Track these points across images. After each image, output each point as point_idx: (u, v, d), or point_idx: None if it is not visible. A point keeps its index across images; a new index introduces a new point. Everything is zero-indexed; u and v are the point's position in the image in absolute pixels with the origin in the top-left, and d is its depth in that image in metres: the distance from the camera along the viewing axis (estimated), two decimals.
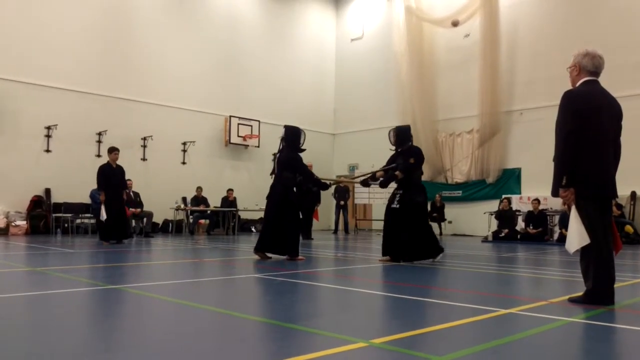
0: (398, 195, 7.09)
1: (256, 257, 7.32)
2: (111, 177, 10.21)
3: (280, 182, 7.28)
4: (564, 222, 12.73)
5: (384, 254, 7.19)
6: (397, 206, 7.02)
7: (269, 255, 7.26)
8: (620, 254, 9.85)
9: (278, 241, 7.09)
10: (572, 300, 3.97)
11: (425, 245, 6.97)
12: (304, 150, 7.59)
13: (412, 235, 6.87)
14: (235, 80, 17.96)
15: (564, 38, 15.19)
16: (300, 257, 7.19)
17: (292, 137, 7.41)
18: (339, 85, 21.24)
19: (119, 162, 10.53)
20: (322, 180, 7.61)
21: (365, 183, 7.95)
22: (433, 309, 3.86)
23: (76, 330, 3.06)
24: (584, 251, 3.88)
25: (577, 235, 3.84)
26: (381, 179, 7.39)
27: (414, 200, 6.98)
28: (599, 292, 3.83)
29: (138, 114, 15.46)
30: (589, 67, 4.10)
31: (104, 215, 10.01)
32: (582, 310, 3.70)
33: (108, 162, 10.46)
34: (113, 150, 10.42)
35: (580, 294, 3.97)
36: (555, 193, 3.94)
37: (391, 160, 7.40)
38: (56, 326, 3.12)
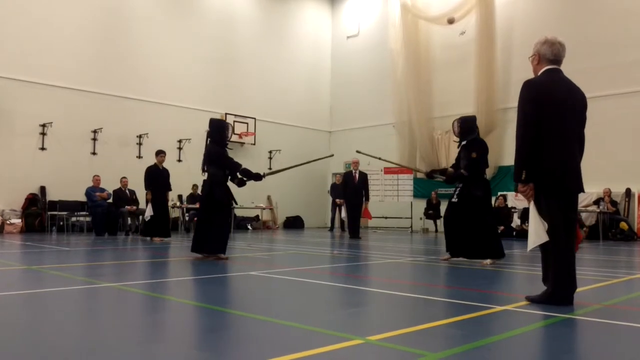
0: (458, 189, 6.84)
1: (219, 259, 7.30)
2: (158, 178, 10.82)
3: (208, 179, 7.00)
4: None
5: (447, 250, 6.94)
6: (456, 200, 6.78)
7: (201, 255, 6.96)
8: (615, 251, 9.90)
9: (206, 239, 6.81)
10: (530, 299, 3.80)
11: (484, 243, 6.59)
12: (227, 144, 7.14)
13: (470, 231, 6.59)
14: (231, 78, 17.93)
15: (560, 36, 15.03)
16: (224, 256, 6.85)
17: (216, 131, 7.03)
18: (335, 82, 21.23)
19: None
20: (255, 172, 7.15)
21: (430, 175, 7.42)
22: (429, 305, 3.86)
23: (71, 329, 3.05)
24: (543, 249, 3.73)
25: (534, 233, 3.68)
26: (449, 175, 6.97)
27: (473, 194, 6.65)
28: (557, 295, 3.67)
29: (133, 112, 15.41)
30: (549, 55, 3.91)
31: (150, 214, 10.56)
32: (579, 306, 3.71)
33: (155, 163, 10.98)
34: (160, 153, 10.96)
35: (539, 293, 3.81)
36: (515, 188, 3.78)
37: (458, 154, 7.01)
38: (51, 325, 3.11)
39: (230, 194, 7.04)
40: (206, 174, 7.07)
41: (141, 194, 13.52)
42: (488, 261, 6.57)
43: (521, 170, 3.65)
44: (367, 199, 12.84)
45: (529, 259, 7.95)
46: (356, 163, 12.56)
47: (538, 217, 3.68)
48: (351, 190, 12.62)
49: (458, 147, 7.00)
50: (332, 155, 7.40)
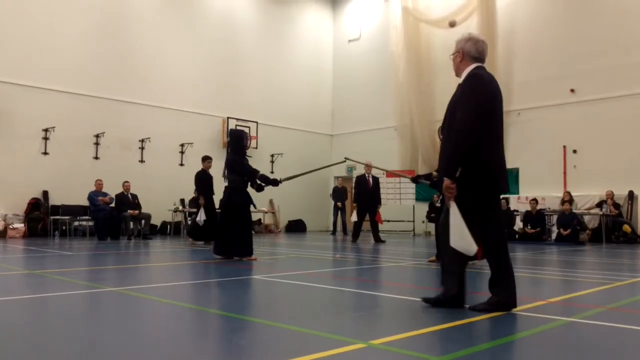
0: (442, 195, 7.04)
1: (252, 258, 7.34)
2: (209, 183, 11.12)
3: (227, 185, 7.48)
4: (562, 222, 12.76)
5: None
6: (440, 205, 7.08)
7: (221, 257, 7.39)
8: (618, 254, 9.85)
9: (228, 243, 7.26)
10: (472, 308, 3.65)
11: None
12: (245, 152, 7.60)
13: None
14: (232, 82, 17.96)
15: (561, 38, 15.23)
16: (253, 257, 7.30)
17: (235, 141, 7.52)
18: (336, 86, 21.25)
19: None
20: (272, 178, 7.55)
21: (416, 180, 7.66)
22: (431, 309, 3.86)
23: (73, 334, 3.05)
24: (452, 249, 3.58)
25: (460, 237, 3.48)
26: (434, 179, 7.21)
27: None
28: (453, 293, 3.61)
29: (135, 116, 15.44)
30: (473, 52, 3.76)
31: (203, 218, 10.73)
32: (582, 309, 3.70)
33: (202, 169, 11.22)
34: (207, 159, 11.30)
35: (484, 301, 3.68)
36: (439, 185, 3.64)
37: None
38: (53, 329, 3.11)
39: (250, 198, 7.50)
40: (227, 180, 7.50)
41: (143, 198, 13.56)
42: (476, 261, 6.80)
43: (457, 166, 3.48)
44: (380, 203, 12.94)
45: (531, 262, 7.94)
46: (369, 167, 12.42)
47: (461, 219, 3.50)
48: (366, 194, 12.63)
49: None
50: (345, 161, 7.51)
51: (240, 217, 7.29)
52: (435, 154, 17.83)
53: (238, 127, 17.55)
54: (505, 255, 3.57)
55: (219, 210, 7.76)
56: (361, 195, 12.73)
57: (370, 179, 12.70)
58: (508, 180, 3.71)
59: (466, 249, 3.48)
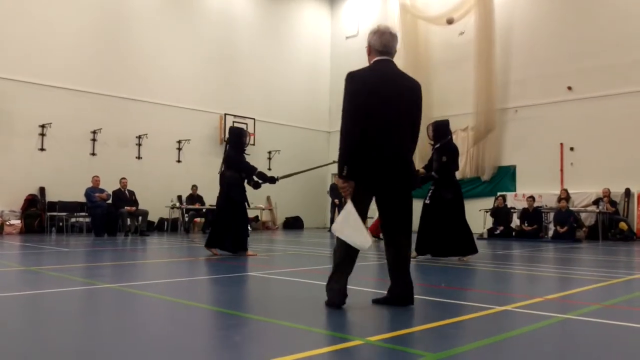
0: (430, 191, 7.21)
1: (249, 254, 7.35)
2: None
3: (224, 181, 7.53)
4: (559, 220, 12.79)
5: (416, 249, 7.19)
6: (428, 202, 7.16)
7: (218, 251, 7.44)
8: (615, 251, 9.87)
9: (224, 237, 7.31)
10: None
11: (454, 242, 7.01)
12: (244, 149, 7.66)
13: (440, 231, 6.99)
14: (230, 79, 17.92)
15: (559, 36, 15.24)
16: (249, 252, 7.42)
17: (234, 138, 7.59)
18: (334, 83, 21.20)
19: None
20: (270, 175, 7.63)
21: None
22: (428, 306, 3.86)
23: (70, 330, 3.05)
24: (340, 242, 3.56)
25: (355, 233, 3.47)
26: (419, 176, 7.23)
27: (444, 197, 7.05)
28: (334, 290, 3.60)
29: (133, 113, 15.40)
30: (377, 45, 3.69)
31: None
32: (578, 307, 3.72)
33: None
34: None
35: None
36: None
37: (431, 157, 7.42)
38: (49, 326, 3.10)
39: (245, 195, 7.55)
40: (222, 176, 7.58)
41: (140, 195, 13.55)
42: (465, 258, 7.05)
43: (342, 165, 3.48)
44: None
45: (527, 259, 7.96)
46: None
47: (356, 216, 3.48)
48: None
49: (432, 151, 7.35)
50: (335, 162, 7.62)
51: (238, 213, 7.36)
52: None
53: (236, 125, 17.59)
54: (344, 249, 3.57)
55: (214, 206, 7.87)
56: None
57: None
58: (396, 176, 3.52)
59: (360, 245, 3.52)
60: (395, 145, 3.52)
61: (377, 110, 3.51)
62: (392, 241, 3.67)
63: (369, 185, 3.54)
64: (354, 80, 3.56)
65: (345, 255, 3.59)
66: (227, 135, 7.88)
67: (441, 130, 7.27)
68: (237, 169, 7.42)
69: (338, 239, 3.58)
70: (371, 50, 3.73)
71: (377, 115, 3.50)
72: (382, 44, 3.68)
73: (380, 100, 3.52)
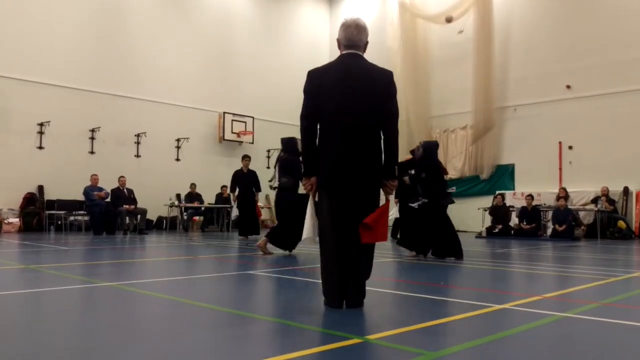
0: (421, 201, 7.43)
1: (259, 252, 7.55)
2: (241, 180, 11.56)
3: (279, 187, 7.95)
4: (558, 218, 12.81)
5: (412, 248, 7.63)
6: (416, 207, 7.39)
7: (271, 251, 7.67)
8: (613, 249, 9.88)
9: (286, 238, 7.63)
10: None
11: (441, 243, 7.31)
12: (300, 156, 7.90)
13: (429, 232, 7.28)
14: (229, 77, 17.90)
15: (558, 34, 15.24)
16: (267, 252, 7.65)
17: (289, 147, 8.01)
18: None
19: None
20: None
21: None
22: (427, 304, 3.87)
23: (69, 328, 3.05)
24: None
25: (308, 226, 3.58)
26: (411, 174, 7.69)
27: (442, 203, 7.38)
28: (324, 293, 3.56)
29: (131, 111, 15.39)
30: (342, 39, 3.60)
31: (236, 214, 11.56)
32: (576, 305, 3.72)
33: (241, 167, 11.76)
34: (244, 158, 11.88)
35: None
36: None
37: (409, 163, 7.85)
38: (48, 324, 3.10)
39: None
40: (277, 182, 8.07)
41: (138, 193, 13.55)
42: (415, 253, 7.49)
43: (305, 163, 3.56)
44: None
45: (526, 258, 7.97)
46: None
47: (311, 212, 3.55)
48: None
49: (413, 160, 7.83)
50: None
51: (296, 215, 7.43)
52: None
53: (235, 123, 17.58)
54: (322, 253, 3.54)
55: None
56: None
57: None
58: (354, 174, 3.43)
59: (304, 234, 3.64)
60: (348, 145, 3.42)
61: (330, 108, 3.50)
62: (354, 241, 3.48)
63: (326, 184, 3.51)
64: (310, 78, 3.63)
65: (326, 259, 3.54)
66: (282, 148, 8.30)
67: (430, 152, 7.53)
68: (297, 175, 7.64)
69: (319, 243, 3.59)
70: (339, 44, 3.67)
71: (331, 113, 3.49)
72: (346, 37, 3.58)
73: (336, 97, 3.48)
